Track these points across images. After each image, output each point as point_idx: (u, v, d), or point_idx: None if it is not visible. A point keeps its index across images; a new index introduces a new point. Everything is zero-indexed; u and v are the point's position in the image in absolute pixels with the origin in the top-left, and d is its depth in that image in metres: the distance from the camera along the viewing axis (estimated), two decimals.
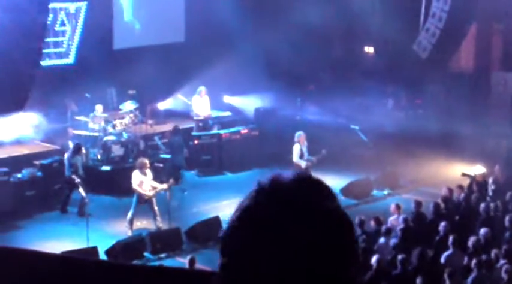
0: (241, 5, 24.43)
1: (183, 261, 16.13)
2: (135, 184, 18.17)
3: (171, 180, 18.92)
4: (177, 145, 21.81)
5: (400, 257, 14.10)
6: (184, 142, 22.24)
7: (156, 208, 18.27)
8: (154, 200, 18.27)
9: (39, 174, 20.15)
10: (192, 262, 14.78)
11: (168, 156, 21.87)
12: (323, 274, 1.78)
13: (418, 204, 17.31)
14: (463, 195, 18.18)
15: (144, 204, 18.25)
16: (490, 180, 19.57)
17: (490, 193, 19.04)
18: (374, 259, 13.89)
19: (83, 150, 20.32)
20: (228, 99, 25.21)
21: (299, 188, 1.85)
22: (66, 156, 20.01)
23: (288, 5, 24.62)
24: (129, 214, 18.22)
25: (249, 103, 25.26)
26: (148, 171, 18.52)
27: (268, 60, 24.47)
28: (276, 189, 1.84)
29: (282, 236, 1.77)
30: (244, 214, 1.84)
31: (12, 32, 15.97)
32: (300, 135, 20.39)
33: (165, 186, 18.39)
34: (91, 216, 17.97)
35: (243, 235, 1.82)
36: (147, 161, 18.61)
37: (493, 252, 14.31)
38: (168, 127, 23.99)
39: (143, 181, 18.23)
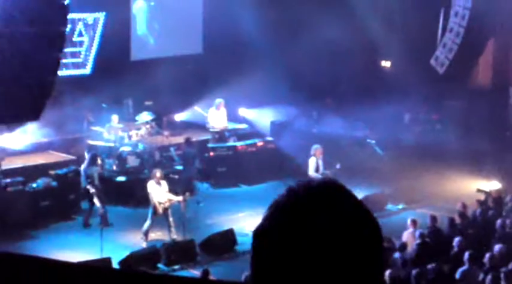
0: (260, 17, 24.45)
1: (196, 273, 16.12)
2: (154, 194, 18.19)
3: (187, 193, 18.92)
4: (190, 157, 21.78)
5: (414, 272, 14.04)
6: (197, 153, 22.23)
7: (171, 219, 18.28)
8: (169, 211, 18.28)
9: (54, 184, 20.20)
10: (205, 274, 14.76)
11: (181, 168, 21.86)
12: (350, 269, 1.80)
13: (434, 218, 17.23)
14: (478, 210, 18.08)
15: (160, 215, 18.25)
16: (509, 197, 19.45)
17: (506, 209, 18.93)
18: (387, 274, 13.83)
19: (99, 161, 20.34)
20: (243, 111, 25.19)
21: (327, 188, 1.87)
22: (82, 167, 20.06)
23: (308, 18, 24.60)
24: (145, 225, 18.22)
25: (265, 116, 25.23)
26: (164, 182, 18.54)
27: (286, 73, 24.45)
28: (306, 188, 1.86)
29: (313, 234, 1.78)
30: (276, 212, 1.85)
31: (30, 42, 16.04)
32: (316, 148, 20.37)
33: (180, 198, 18.39)
34: (107, 227, 17.98)
35: (274, 232, 1.83)
36: (161, 172, 18.64)
37: (508, 268, 14.22)
38: (184, 138, 24.02)
39: (158, 192, 18.25)
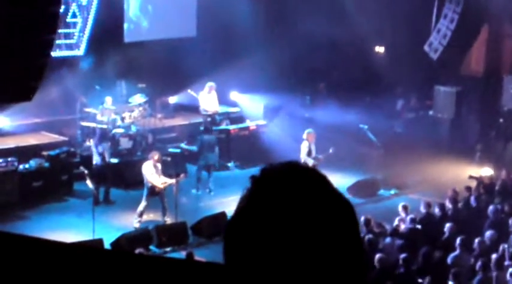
0: (253, 2, 24.44)
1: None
2: (148, 176, 18.20)
3: (181, 175, 18.93)
4: (208, 144, 21.55)
5: (402, 256, 14.10)
6: (217, 140, 22.08)
7: (165, 201, 18.32)
8: (164, 193, 18.32)
9: (46, 164, 20.19)
10: (189, 256, 14.79)
11: (177, 151, 21.79)
12: (324, 259, 1.77)
13: (428, 204, 17.25)
14: (472, 196, 18.12)
15: (154, 197, 18.28)
16: (498, 182, 19.53)
17: (498, 195, 19.00)
18: (377, 258, 13.89)
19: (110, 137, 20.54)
20: (235, 95, 25.10)
21: (291, 174, 1.84)
22: (92, 143, 20.16)
23: (302, 4, 24.54)
24: (140, 206, 18.26)
25: (258, 100, 25.20)
26: (159, 165, 18.56)
27: (279, 58, 24.41)
28: (268, 177, 1.85)
29: (280, 226, 1.76)
30: (241, 208, 1.84)
31: (23, 22, 15.96)
32: (309, 132, 20.35)
33: (173, 180, 18.41)
34: (97, 208, 17.97)
35: (242, 227, 1.82)
36: (159, 154, 18.67)
37: (498, 254, 14.29)
38: (177, 121, 24.04)
39: (154, 174, 18.27)
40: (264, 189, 1.82)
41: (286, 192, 1.79)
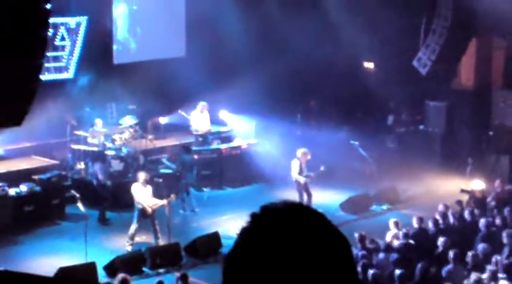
0: (242, 21, 24.50)
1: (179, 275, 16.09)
2: (138, 198, 18.13)
3: (172, 196, 18.89)
4: (188, 164, 21.57)
5: (398, 272, 14.10)
6: (195, 160, 22.09)
7: (156, 222, 18.24)
8: (155, 215, 18.25)
9: (37, 189, 20.12)
10: (184, 278, 14.73)
11: (168, 171, 21.75)
12: None
13: (420, 219, 17.24)
14: (465, 210, 18.13)
15: (146, 219, 18.21)
16: (490, 196, 19.57)
17: (489, 208, 19.02)
18: (371, 275, 13.88)
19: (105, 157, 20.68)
20: (225, 114, 25.03)
21: (291, 213, 1.87)
22: (83, 166, 20.43)
23: (291, 23, 24.56)
24: (132, 229, 18.17)
25: (249, 119, 25.18)
26: (148, 186, 18.50)
27: (269, 76, 24.43)
28: (269, 216, 1.87)
29: (278, 262, 1.79)
30: (242, 240, 1.87)
31: (12, 47, 15.95)
32: (304, 152, 20.37)
33: (165, 201, 18.35)
34: (89, 231, 17.89)
35: (241, 261, 1.85)
36: (146, 175, 18.60)
37: (492, 267, 14.29)
38: (168, 142, 24.00)
39: (144, 196, 18.21)
40: (264, 229, 1.85)
41: (286, 234, 1.82)
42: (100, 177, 20.34)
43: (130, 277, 14.82)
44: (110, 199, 20.24)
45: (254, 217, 1.89)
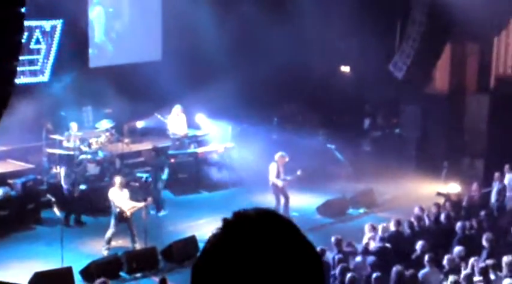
0: (218, 25, 24.49)
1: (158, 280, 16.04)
2: (115, 202, 18.06)
3: (149, 199, 18.86)
4: (160, 166, 21.50)
5: (374, 275, 14.13)
6: (167, 162, 22.06)
7: (133, 227, 18.18)
8: (132, 219, 18.19)
9: (12, 193, 19.98)
10: (163, 282, 14.70)
11: (146, 175, 21.68)
12: None
13: (398, 222, 17.29)
14: (442, 213, 18.20)
15: (122, 223, 18.14)
16: (465, 199, 19.68)
17: (465, 212, 19.13)
18: (348, 278, 13.91)
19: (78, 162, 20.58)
20: (201, 118, 24.92)
21: (261, 221, 1.87)
22: (59, 170, 20.53)
23: (267, 26, 24.57)
24: (108, 233, 18.09)
25: (225, 123, 25.14)
26: (125, 190, 18.44)
27: (245, 80, 24.43)
28: (240, 223, 1.88)
29: (246, 270, 1.80)
30: (211, 247, 1.88)
31: None
32: (282, 155, 20.39)
33: (142, 204, 18.31)
34: (65, 236, 17.79)
35: (209, 267, 1.86)
36: (122, 179, 18.53)
37: (468, 271, 14.36)
38: (144, 146, 23.92)
39: (121, 200, 18.14)
40: (233, 237, 1.85)
41: (256, 243, 1.82)
42: (63, 180, 20.20)
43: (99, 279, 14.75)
44: (73, 203, 19.97)
45: (225, 223, 1.89)
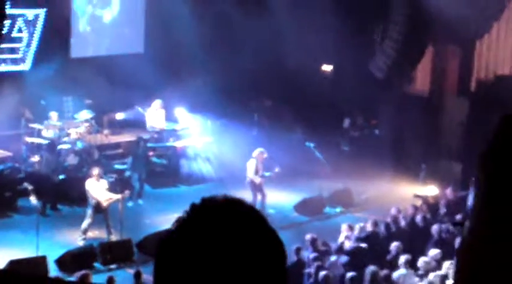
0: (200, 22, 24.49)
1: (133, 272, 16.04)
2: (92, 192, 18.03)
3: (126, 191, 18.86)
4: (140, 157, 21.49)
5: (349, 275, 14.19)
6: (146, 153, 22.04)
7: (109, 218, 18.18)
8: (108, 210, 18.18)
9: None
10: (137, 275, 14.70)
11: (124, 167, 21.67)
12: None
13: (375, 223, 17.35)
14: (418, 215, 18.28)
15: (99, 213, 18.12)
16: (442, 202, 19.77)
17: (441, 214, 19.22)
18: (322, 277, 13.96)
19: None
20: (180, 112, 24.87)
21: (228, 208, 1.92)
22: (37, 158, 20.55)
23: (249, 23, 24.59)
24: (84, 223, 18.07)
25: (205, 117, 25.13)
26: (103, 181, 18.43)
27: (226, 75, 24.46)
28: (207, 209, 1.92)
29: (208, 255, 1.84)
30: (178, 228, 1.94)
31: None
32: (261, 152, 20.44)
33: (119, 196, 18.30)
34: (41, 225, 17.74)
35: (172, 249, 1.91)
36: (100, 170, 18.51)
37: (442, 272, 14.46)
38: (124, 137, 23.89)
39: (98, 191, 18.12)
40: (200, 220, 1.90)
41: (221, 227, 1.87)
42: (43, 168, 20.20)
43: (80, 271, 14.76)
44: (50, 192, 19.94)
45: (192, 208, 1.94)
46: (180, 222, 1.94)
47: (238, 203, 1.95)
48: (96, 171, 18.35)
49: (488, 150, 2.02)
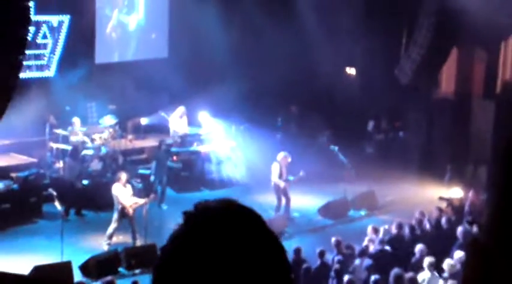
0: (226, 28, 24.53)
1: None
2: (119, 198, 18.08)
3: (152, 195, 18.90)
4: (162, 161, 21.52)
5: (373, 278, 14.11)
6: (168, 157, 22.07)
7: (134, 223, 18.22)
8: (134, 215, 18.22)
9: (15, 186, 20.01)
10: None
11: (149, 172, 21.71)
12: None
13: (399, 226, 17.25)
14: (443, 218, 18.16)
15: (124, 218, 18.17)
16: (467, 204, 19.63)
17: (467, 216, 19.07)
18: (346, 281, 13.89)
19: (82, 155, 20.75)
20: (204, 116, 24.87)
21: (225, 214, 1.87)
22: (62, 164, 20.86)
23: (275, 28, 24.57)
24: (110, 228, 18.13)
25: (229, 122, 25.12)
26: (128, 186, 18.48)
27: (252, 80, 24.47)
28: (203, 216, 1.87)
29: (208, 264, 1.80)
30: (172, 243, 1.90)
31: None
32: (285, 156, 20.42)
33: (144, 200, 18.34)
34: (66, 230, 17.81)
35: (172, 263, 1.87)
36: (126, 175, 18.56)
37: None
38: (148, 142, 23.96)
39: (124, 196, 18.16)
40: (196, 228, 1.85)
41: (219, 233, 1.82)
42: (66, 174, 20.28)
43: (105, 277, 14.79)
44: (74, 198, 20.02)
45: (187, 216, 1.89)
46: (175, 235, 1.90)
47: (232, 205, 1.90)
48: (123, 175, 18.41)
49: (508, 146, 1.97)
